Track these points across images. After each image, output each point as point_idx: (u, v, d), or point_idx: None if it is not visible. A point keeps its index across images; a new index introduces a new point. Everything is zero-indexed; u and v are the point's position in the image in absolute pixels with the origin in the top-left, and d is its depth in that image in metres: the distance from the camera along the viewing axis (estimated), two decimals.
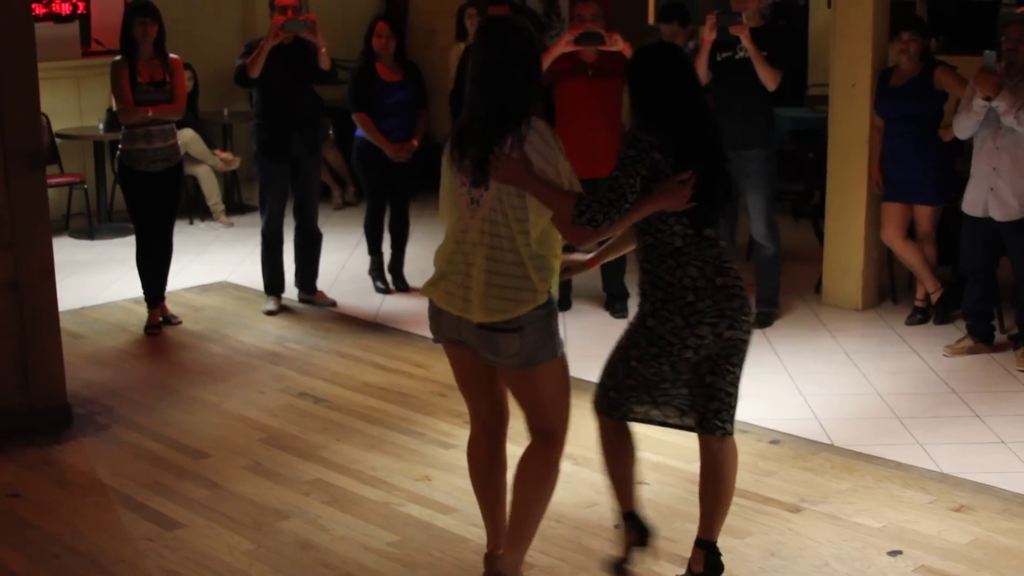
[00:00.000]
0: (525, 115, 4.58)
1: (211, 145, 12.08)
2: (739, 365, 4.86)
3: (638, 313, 4.91)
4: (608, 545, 5.34)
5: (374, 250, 9.66)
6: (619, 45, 8.21)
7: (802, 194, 10.66)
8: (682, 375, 4.82)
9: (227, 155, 12.20)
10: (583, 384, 7.39)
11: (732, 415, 4.95)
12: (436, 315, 4.79)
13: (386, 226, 9.62)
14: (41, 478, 6.21)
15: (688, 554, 5.21)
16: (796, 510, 5.67)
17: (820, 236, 9.33)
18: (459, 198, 4.67)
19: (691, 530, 5.44)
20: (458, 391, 5.05)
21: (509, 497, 4.87)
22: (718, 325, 4.72)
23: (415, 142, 9.26)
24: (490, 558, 4.94)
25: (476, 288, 4.61)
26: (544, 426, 4.82)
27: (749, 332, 4.83)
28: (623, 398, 4.94)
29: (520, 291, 4.58)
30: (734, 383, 4.88)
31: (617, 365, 4.93)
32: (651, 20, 15.58)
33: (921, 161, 8.29)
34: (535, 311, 4.60)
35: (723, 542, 5.32)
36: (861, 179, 8.69)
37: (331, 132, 12.44)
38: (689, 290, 4.73)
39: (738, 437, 6.47)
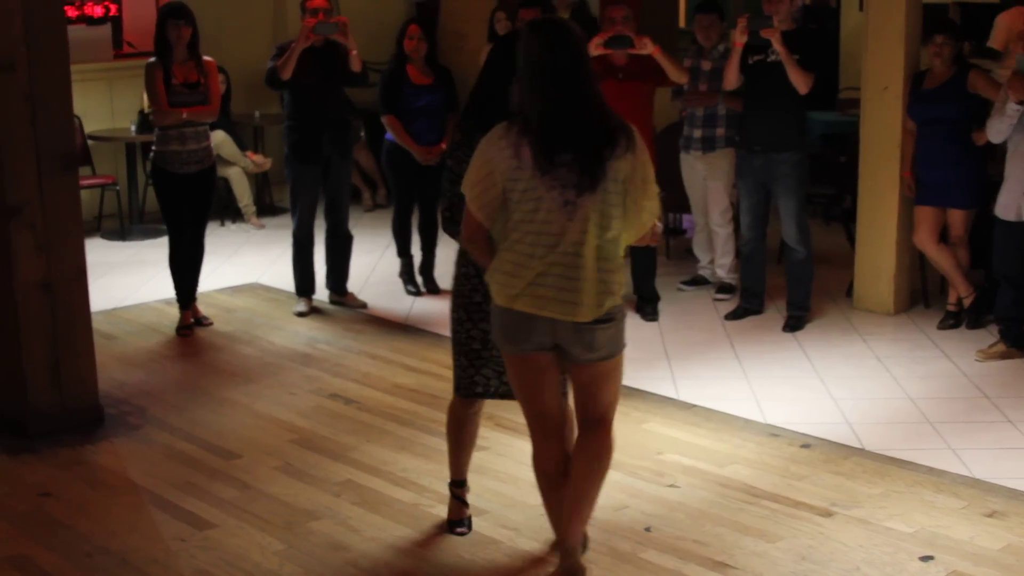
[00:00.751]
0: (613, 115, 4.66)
1: (242, 147, 12.11)
2: None
3: (457, 262, 5.25)
4: (639, 547, 5.33)
5: (403, 252, 9.67)
6: (649, 48, 8.21)
7: (833, 198, 10.63)
8: (479, 325, 5.12)
9: (258, 157, 12.23)
10: None
11: None
12: (524, 323, 4.68)
13: (415, 228, 9.63)
14: (73, 478, 6.23)
15: (719, 557, 5.22)
16: (827, 514, 5.65)
17: (851, 240, 9.30)
18: (547, 202, 4.54)
19: (722, 533, 5.45)
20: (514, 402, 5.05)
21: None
22: None
23: (444, 145, 9.27)
24: (566, 551, 4.91)
25: (588, 288, 4.59)
26: (604, 414, 4.92)
27: None
28: (460, 368, 5.27)
29: (614, 283, 4.67)
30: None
31: (452, 331, 5.28)
32: (682, 23, 15.57)
33: (954, 165, 8.25)
34: (620, 302, 4.75)
35: (754, 546, 5.32)
36: (893, 183, 8.65)
37: (362, 134, 12.47)
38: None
39: (769, 441, 6.50)
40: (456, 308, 5.24)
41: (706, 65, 8.93)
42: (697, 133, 9.11)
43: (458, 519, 5.58)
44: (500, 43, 5.13)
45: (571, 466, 4.92)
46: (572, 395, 4.99)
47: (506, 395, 5.25)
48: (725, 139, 8.97)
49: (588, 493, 4.90)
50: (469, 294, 5.18)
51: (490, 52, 5.17)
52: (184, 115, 8.26)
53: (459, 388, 5.34)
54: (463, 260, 5.17)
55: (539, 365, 4.80)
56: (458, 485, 5.59)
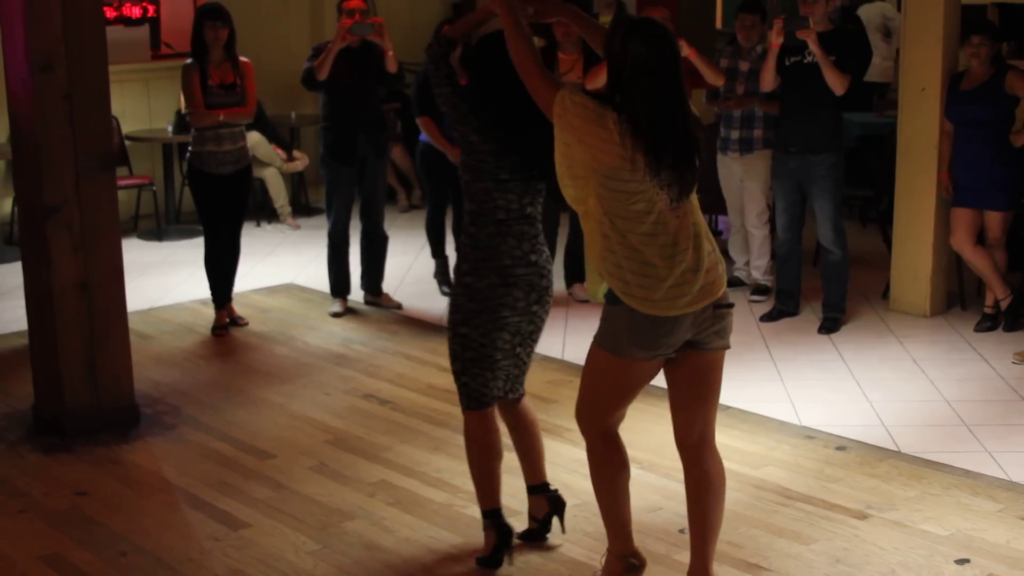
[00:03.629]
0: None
1: (286, 146, 12.16)
2: (536, 342, 5.29)
3: (455, 277, 5.19)
4: (673, 549, 5.32)
5: (438, 253, 9.67)
6: (684, 51, 8.18)
7: (870, 199, 10.59)
8: (503, 335, 5.10)
9: (298, 152, 12.28)
10: (649, 389, 7.38)
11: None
12: (668, 325, 4.55)
13: (449, 229, 9.63)
14: (108, 477, 6.26)
15: (752, 559, 5.20)
16: (862, 517, 5.63)
17: (888, 242, 9.26)
18: (659, 204, 4.50)
19: (756, 535, 5.43)
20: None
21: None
22: (529, 295, 5.09)
23: None
24: (631, 565, 4.91)
25: (712, 267, 4.60)
26: (709, 428, 4.83)
27: (547, 313, 5.24)
28: (474, 381, 5.16)
29: (722, 261, 4.71)
30: (531, 356, 5.32)
31: (454, 348, 5.19)
32: (718, 25, 15.53)
33: (991, 166, 8.21)
34: None
35: (788, 548, 5.30)
36: (930, 184, 8.61)
37: (399, 131, 12.49)
38: (507, 255, 5.05)
39: (804, 443, 6.48)
40: (478, 325, 5.07)
41: (744, 66, 8.91)
42: (735, 135, 9.08)
43: (497, 552, 5.30)
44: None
45: (693, 499, 4.82)
46: (674, 418, 4.85)
47: (504, 397, 5.29)
48: (763, 140, 8.94)
49: (712, 523, 4.82)
50: (497, 308, 5.05)
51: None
52: (220, 117, 8.29)
53: (476, 403, 5.19)
54: (486, 270, 5.04)
55: (647, 370, 4.71)
56: (493, 515, 5.31)
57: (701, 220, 4.67)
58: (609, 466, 4.88)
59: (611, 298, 4.62)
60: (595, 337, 4.74)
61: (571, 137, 4.53)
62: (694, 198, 4.64)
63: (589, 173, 4.52)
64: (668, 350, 4.63)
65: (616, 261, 4.55)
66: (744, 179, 9.15)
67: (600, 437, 4.87)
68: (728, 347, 4.73)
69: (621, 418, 4.91)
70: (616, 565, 4.95)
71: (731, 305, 4.69)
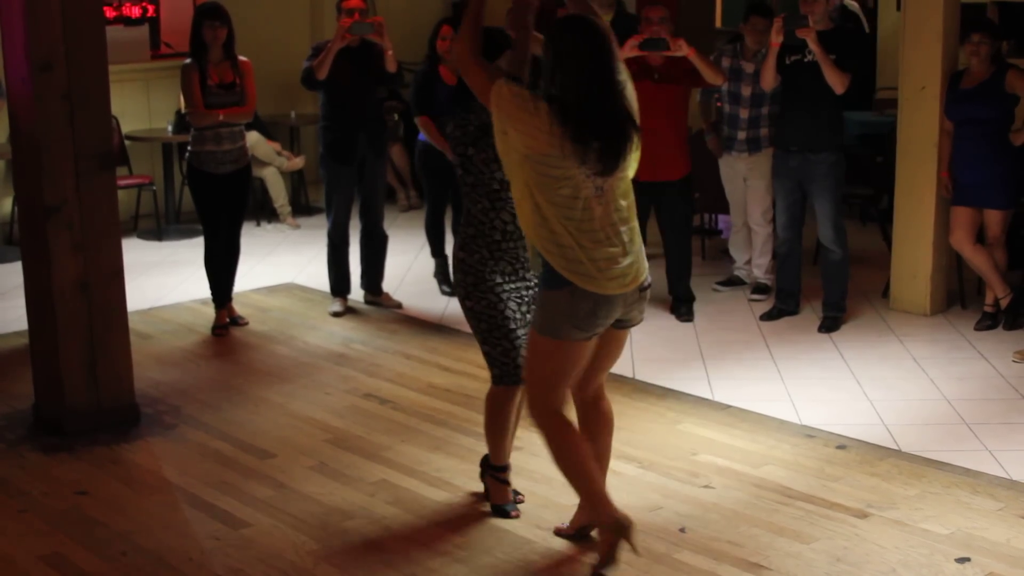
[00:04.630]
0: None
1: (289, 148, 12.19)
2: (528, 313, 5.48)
3: (453, 252, 5.54)
4: (674, 548, 5.32)
5: (437, 252, 9.67)
6: (684, 50, 8.19)
7: (870, 198, 10.59)
8: (509, 304, 5.43)
9: (288, 153, 12.29)
10: (650, 388, 7.40)
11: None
12: (606, 305, 4.93)
13: (449, 228, 9.63)
14: (109, 476, 6.26)
15: (753, 558, 5.21)
16: (863, 516, 5.63)
17: (888, 240, 9.26)
18: (584, 191, 4.83)
19: (757, 534, 5.43)
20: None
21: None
22: (515, 263, 5.44)
23: None
24: (619, 524, 5.00)
25: (638, 255, 5.02)
26: (603, 381, 5.35)
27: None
28: (495, 350, 5.46)
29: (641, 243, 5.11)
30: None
31: (470, 323, 5.51)
32: (718, 24, 15.53)
33: (991, 165, 8.21)
34: None
35: (789, 547, 5.30)
36: (930, 183, 8.61)
37: (400, 132, 12.50)
38: (498, 231, 5.37)
39: (805, 442, 6.48)
40: (480, 295, 5.41)
41: (748, 67, 8.88)
42: (741, 135, 9.07)
43: (506, 502, 5.71)
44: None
45: (593, 437, 5.25)
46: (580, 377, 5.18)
47: None
48: (769, 139, 8.90)
49: (608, 453, 5.38)
50: (491, 277, 5.41)
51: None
52: (220, 116, 8.29)
53: (507, 377, 5.47)
54: (475, 247, 5.40)
55: (590, 347, 5.05)
56: (499, 470, 5.70)
57: (631, 205, 5.03)
58: (569, 440, 5.09)
59: (548, 283, 4.92)
60: (533, 325, 5.03)
61: (507, 124, 4.81)
62: (627, 183, 5.00)
63: (523, 159, 4.81)
64: (602, 328, 5.00)
65: (555, 240, 4.85)
66: (749, 177, 9.14)
67: (553, 416, 5.08)
68: (642, 320, 5.21)
69: (566, 396, 5.17)
70: (608, 535, 5.03)
71: (651, 285, 5.17)
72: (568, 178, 4.79)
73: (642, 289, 5.06)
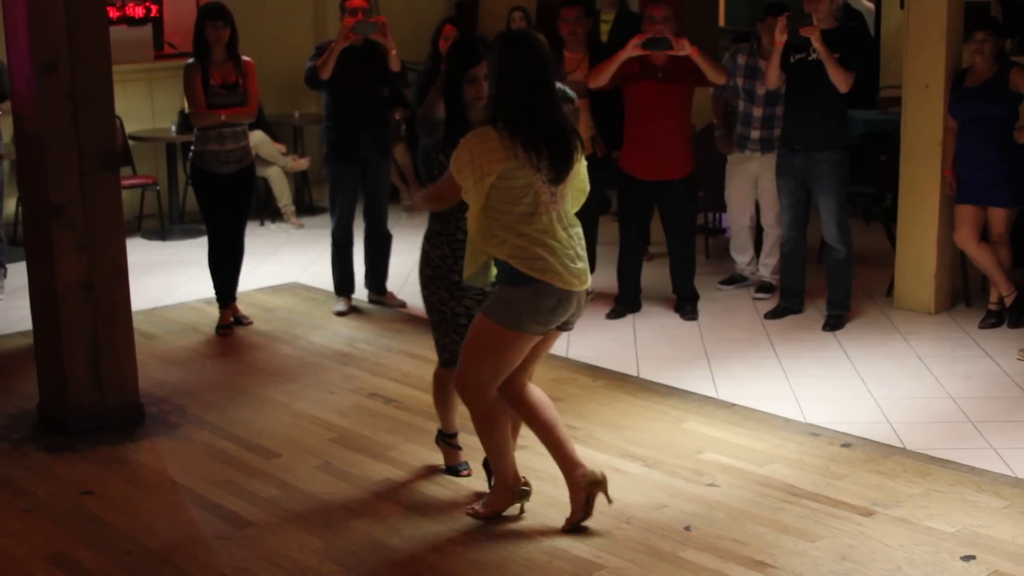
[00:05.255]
0: None
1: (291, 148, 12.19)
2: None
3: (421, 243, 5.89)
4: (679, 547, 5.32)
5: None
6: (687, 50, 8.19)
7: (874, 197, 10.58)
8: (463, 302, 5.72)
9: (294, 156, 12.30)
10: (654, 387, 7.40)
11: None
12: (567, 301, 5.26)
13: None
14: (114, 476, 6.26)
15: (758, 556, 5.20)
16: (868, 514, 5.62)
17: (892, 239, 9.26)
18: (543, 196, 5.17)
19: (762, 533, 5.43)
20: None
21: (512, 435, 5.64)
22: None
23: None
24: (587, 478, 5.46)
25: (585, 260, 5.35)
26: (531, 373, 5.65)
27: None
28: (443, 339, 5.83)
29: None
30: None
31: (426, 309, 5.90)
32: (721, 22, 15.52)
33: (995, 163, 8.21)
34: None
35: (794, 545, 5.30)
36: (934, 181, 8.61)
37: (403, 131, 12.49)
38: (461, 230, 5.59)
39: (809, 440, 6.48)
40: (436, 288, 5.78)
41: (764, 65, 8.82)
42: (755, 134, 9.07)
43: (458, 463, 6.18)
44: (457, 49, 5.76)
45: (537, 412, 5.51)
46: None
47: None
48: (780, 141, 8.87)
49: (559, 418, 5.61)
50: (447, 274, 5.73)
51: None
52: (222, 116, 8.29)
53: (449, 361, 5.80)
54: (438, 242, 5.75)
55: (535, 341, 5.38)
56: (451, 436, 6.17)
57: (571, 210, 5.38)
58: (499, 423, 5.49)
59: (512, 280, 5.20)
60: (487, 315, 5.27)
61: (472, 178, 5.12)
62: (573, 192, 5.35)
63: (488, 188, 5.11)
64: (555, 325, 5.32)
65: (520, 245, 5.15)
66: (761, 177, 9.12)
67: (488, 402, 5.42)
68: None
69: (519, 377, 5.52)
70: (505, 496, 5.61)
71: (593, 292, 5.50)
72: (529, 185, 5.12)
73: (588, 292, 5.39)
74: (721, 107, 9.59)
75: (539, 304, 5.19)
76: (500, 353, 5.29)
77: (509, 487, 5.61)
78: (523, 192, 5.11)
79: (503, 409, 5.49)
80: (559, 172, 5.17)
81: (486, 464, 5.87)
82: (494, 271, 5.34)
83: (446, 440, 6.18)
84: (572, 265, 5.22)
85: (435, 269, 5.76)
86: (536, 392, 5.56)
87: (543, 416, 5.53)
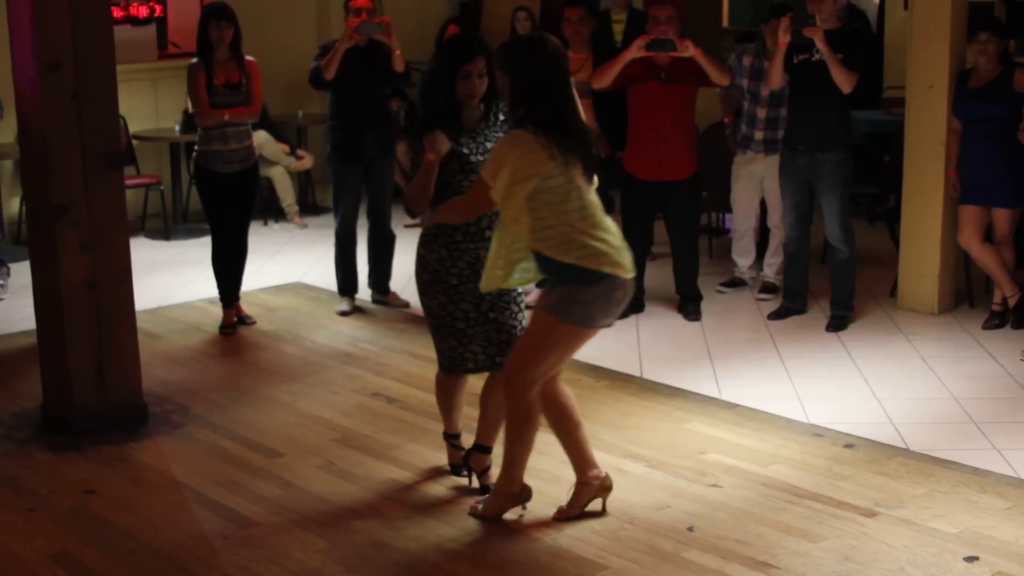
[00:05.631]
0: None
1: (290, 144, 12.18)
2: (516, 306, 5.74)
3: (416, 247, 5.80)
4: (682, 547, 5.32)
5: None
6: (691, 51, 8.18)
7: (877, 197, 10.57)
8: (460, 306, 5.66)
9: (302, 151, 12.30)
10: (657, 387, 7.40)
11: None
12: (629, 290, 5.32)
13: None
14: (117, 475, 6.26)
15: (761, 556, 5.20)
16: (871, 515, 5.62)
17: (895, 239, 9.25)
18: (584, 189, 5.22)
19: (765, 533, 5.43)
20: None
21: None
22: (474, 265, 5.59)
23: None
24: (599, 482, 5.63)
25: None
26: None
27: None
28: (443, 344, 5.77)
29: None
30: (514, 317, 5.74)
31: (425, 315, 5.84)
32: (725, 23, 15.52)
33: (999, 164, 8.20)
34: None
35: (797, 546, 5.30)
36: (937, 182, 8.61)
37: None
38: (459, 231, 5.60)
39: (812, 441, 6.47)
40: (434, 293, 5.71)
41: (768, 66, 8.82)
42: (758, 135, 9.07)
43: (459, 463, 6.10)
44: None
45: (569, 411, 5.57)
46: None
47: (490, 367, 5.76)
48: (783, 141, 8.86)
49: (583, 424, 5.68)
50: (445, 278, 5.66)
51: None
52: (225, 116, 8.29)
53: (449, 367, 5.82)
54: (435, 245, 5.66)
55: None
56: (454, 437, 6.15)
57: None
58: (533, 425, 5.50)
59: (581, 279, 5.17)
60: (555, 315, 5.24)
61: (514, 190, 5.12)
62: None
63: (530, 193, 5.12)
64: (618, 315, 5.40)
65: (584, 243, 5.17)
66: (767, 178, 9.12)
67: (531, 401, 5.42)
68: None
69: None
70: (507, 501, 5.63)
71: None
72: (569, 181, 5.17)
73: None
74: (730, 105, 9.60)
75: (611, 298, 5.23)
76: (564, 350, 5.35)
77: (513, 494, 5.62)
78: (567, 189, 5.15)
79: (538, 413, 5.50)
80: (591, 166, 5.25)
81: (466, 458, 6.00)
82: (518, 275, 5.39)
83: (450, 440, 6.17)
84: (626, 254, 5.28)
85: (432, 273, 5.69)
86: (567, 389, 5.59)
87: (573, 414, 5.57)
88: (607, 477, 5.65)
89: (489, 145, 5.55)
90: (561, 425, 5.58)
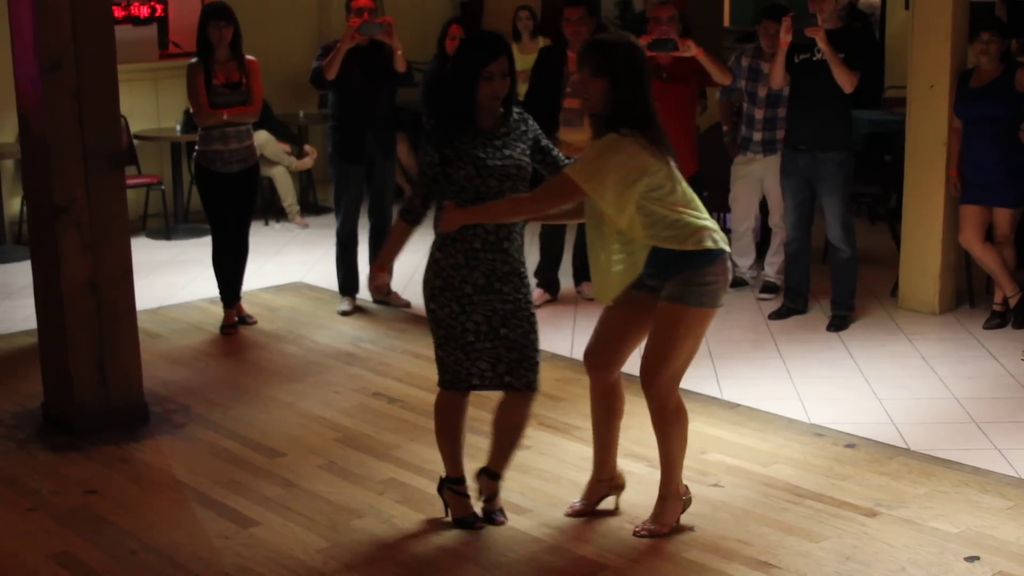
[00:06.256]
0: None
1: (296, 141, 12.19)
2: (528, 324, 5.39)
3: (430, 250, 5.45)
4: (683, 547, 5.32)
5: None
6: (692, 51, 8.18)
7: (878, 197, 10.58)
8: (472, 317, 5.30)
9: (309, 147, 12.31)
10: None
11: (533, 370, 5.44)
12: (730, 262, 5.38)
13: None
14: (118, 475, 6.26)
15: (762, 556, 5.20)
16: (872, 514, 5.62)
17: (897, 239, 9.25)
18: (678, 176, 5.25)
19: (766, 533, 5.43)
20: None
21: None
22: (489, 276, 5.30)
23: None
24: (615, 481, 5.67)
25: None
26: None
27: (521, 294, 5.38)
28: (448, 357, 5.39)
29: None
30: (530, 340, 5.39)
31: (430, 323, 5.47)
32: (726, 22, 15.51)
33: (1000, 163, 8.20)
34: None
35: (798, 545, 5.30)
36: (939, 182, 8.60)
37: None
38: (479, 239, 5.29)
39: (814, 440, 6.47)
40: (445, 301, 5.36)
41: (767, 67, 8.81)
42: (757, 136, 9.07)
43: (469, 514, 5.59)
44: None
45: (619, 408, 5.58)
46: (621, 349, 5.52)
47: (498, 386, 5.43)
48: (784, 141, 8.86)
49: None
50: (459, 286, 5.33)
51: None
52: (224, 116, 8.29)
53: (453, 383, 5.42)
54: (452, 250, 5.33)
55: None
56: (456, 483, 5.59)
57: None
58: (686, 420, 5.42)
59: (705, 260, 5.17)
60: (686, 303, 5.20)
61: (626, 195, 5.11)
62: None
63: (638, 194, 5.12)
64: None
65: (700, 226, 5.20)
66: (767, 178, 9.11)
67: (678, 396, 5.39)
68: None
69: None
70: (676, 505, 5.47)
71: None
72: (668, 174, 5.20)
73: None
74: (728, 111, 9.60)
75: (728, 274, 5.30)
76: (698, 336, 5.33)
77: (680, 496, 5.49)
78: (671, 180, 5.19)
79: (685, 409, 5.43)
80: (672, 154, 5.27)
81: (441, 487, 5.64)
82: (613, 280, 5.31)
83: (452, 488, 5.61)
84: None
85: (446, 279, 5.34)
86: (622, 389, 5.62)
87: (621, 413, 5.60)
88: (621, 475, 5.68)
89: (508, 152, 5.31)
90: (605, 419, 5.54)
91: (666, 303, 5.22)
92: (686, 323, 5.22)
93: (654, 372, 5.26)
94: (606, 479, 5.62)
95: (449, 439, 5.54)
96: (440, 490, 5.64)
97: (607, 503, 5.66)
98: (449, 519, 5.63)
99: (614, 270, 5.24)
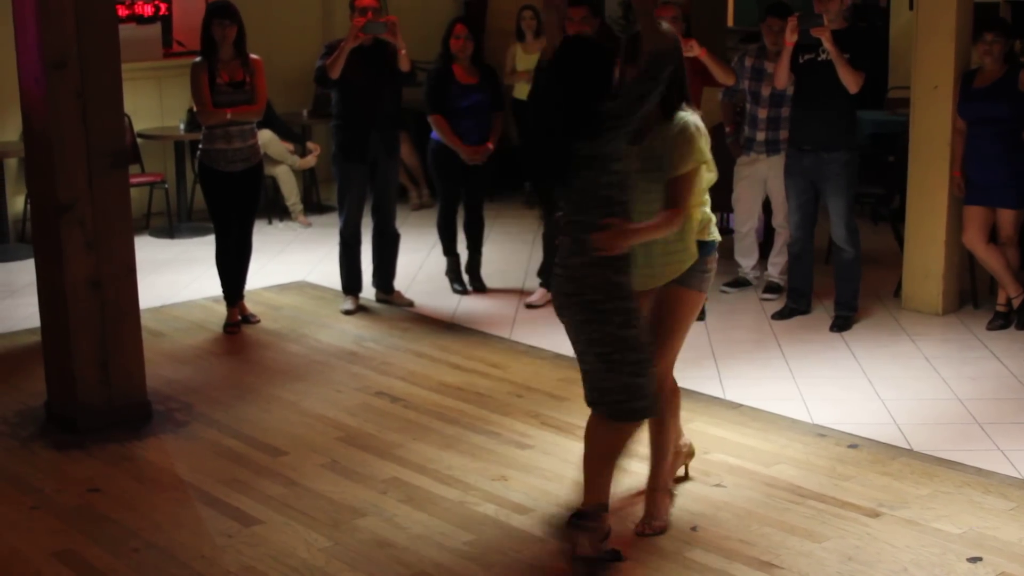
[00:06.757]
0: None
1: (299, 140, 12.20)
2: (590, 340, 4.97)
3: (604, 277, 5.00)
4: (685, 547, 5.32)
5: (449, 251, 9.68)
6: (695, 51, 8.18)
7: (882, 197, 10.57)
8: (568, 324, 5.03)
9: (312, 144, 12.31)
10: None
11: (596, 391, 5.05)
12: None
13: (461, 228, 9.64)
14: (121, 473, 6.27)
15: (765, 556, 5.20)
16: (874, 515, 5.62)
17: (900, 240, 9.25)
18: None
19: (768, 533, 5.42)
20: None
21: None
22: (557, 297, 5.05)
23: (490, 145, 9.28)
24: (688, 448, 5.91)
25: None
26: None
27: (573, 315, 4.99)
28: (652, 384, 5.07)
29: None
30: (584, 357, 5.05)
31: (626, 359, 4.97)
32: (730, 22, 15.51)
33: (1004, 164, 8.20)
34: None
35: (800, 546, 5.30)
36: (942, 182, 8.60)
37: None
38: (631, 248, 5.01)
39: (816, 441, 6.47)
40: (639, 320, 4.96)
41: (770, 67, 8.81)
42: (760, 136, 9.06)
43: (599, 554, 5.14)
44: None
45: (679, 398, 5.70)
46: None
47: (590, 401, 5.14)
48: (788, 141, 8.86)
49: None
50: (635, 303, 4.97)
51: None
52: (228, 115, 8.29)
53: (652, 408, 5.07)
54: (623, 264, 4.91)
55: None
56: (595, 517, 5.10)
57: None
58: (678, 392, 5.69)
59: (707, 249, 5.43)
60: (701, 290, 5.46)
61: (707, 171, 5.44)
62: None
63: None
64: None
65: (710, 216, 5.50)
66: (770, 178, 9.11)
67: (672, 376, 5.59)
68: None
69: None
70: (667, 497, 5.61)
71: None
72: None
73: None
74: (731, 112, 9.59)
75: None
76: (691, 322, 5.54)
77: (668, 488, 5.70)
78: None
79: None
80: None
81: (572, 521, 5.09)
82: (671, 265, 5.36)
83: (588, 523, 5.06)
84: None
85: (634, 300, 4.96)
86: None
87: (678, 400, 5.73)
88: (691, 444, 5.97)
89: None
90: (668, 419, 5.58)
91: (676, 287, 5.34)
92: (691, 306, 5.43)
93: (662, 356, 5.33)
94: (680, 449, 5.84)
95: (610, 466, 5.10)
96: (572, 525, 5.06)
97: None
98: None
99: (672, 259, 5.30)
